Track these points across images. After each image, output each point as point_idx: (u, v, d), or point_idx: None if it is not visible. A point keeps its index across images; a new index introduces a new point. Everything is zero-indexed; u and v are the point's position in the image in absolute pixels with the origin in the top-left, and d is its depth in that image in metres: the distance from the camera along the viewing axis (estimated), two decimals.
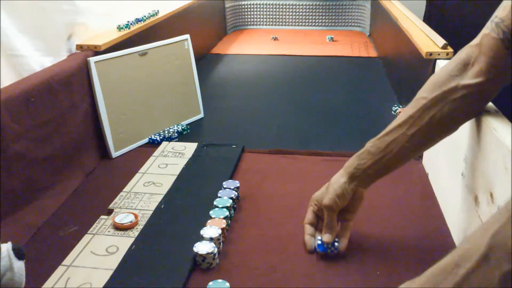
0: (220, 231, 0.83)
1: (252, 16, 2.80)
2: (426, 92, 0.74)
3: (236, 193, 0.97)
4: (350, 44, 2.41)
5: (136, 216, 0.90)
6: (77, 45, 1.20)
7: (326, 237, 0.80)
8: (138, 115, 1.25)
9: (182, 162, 1.13)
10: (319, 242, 0.81)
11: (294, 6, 2.74)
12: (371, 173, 0.78)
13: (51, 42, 1.11)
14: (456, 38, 1.24)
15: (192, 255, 0.79)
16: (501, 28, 0.68)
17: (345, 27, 2.75)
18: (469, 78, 0.71)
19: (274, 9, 2.78)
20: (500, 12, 0.69)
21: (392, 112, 1.45)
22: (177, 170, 1.10)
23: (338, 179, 0.80)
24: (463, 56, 0.73)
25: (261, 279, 0.77)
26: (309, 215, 0.85)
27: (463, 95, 0.71)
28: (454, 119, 0.74)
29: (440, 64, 1.11)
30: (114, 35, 1.30)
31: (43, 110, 0.98)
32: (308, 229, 0.84)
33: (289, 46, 2.37)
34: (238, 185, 1.00)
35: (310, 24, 2.77)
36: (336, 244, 0.80)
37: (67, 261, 0.80)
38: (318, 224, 0.85)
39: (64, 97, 1.05)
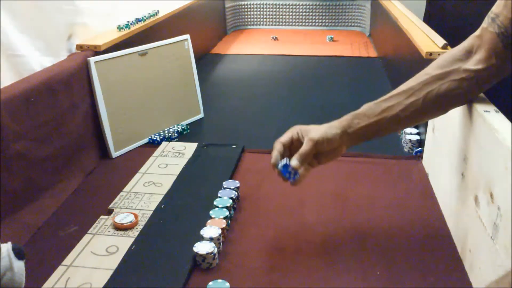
0: (220, 231, 0.83)
1: (252, 16, 2.80)
2: (429, 69, 0.79)
3: (236, 193, 0.97)
4: (350, 44, 2.41)
5: (136, 216, 0.90)
6: (77, 45, 1.20)
7: (294, 162, 0.79)
8: (138, 115, 1.25)
9: (182, 162, 1.13)
10: (286, 163, 0.80)
11: (294, 6, 2.74)
12: (361, 134, 0.80)
13: (51, 42, 1.11)
14: (456, 38, 1.24)
15: (192, 255, 0.79)
16: (497, 24, 0.73)
17: (345, 27, 2.75)
18: (471, 64, 0.75)
19: (274, 9, 2.78)
20: (495, 8, 0.75)
21: None
22: (177, 170, 1.10)
23: (332, 127, 0.81)
24: (467, 45, 0.78)
25: (261, 279, 0.77)
26: (286, 137, 0.83)
27: (462, 78, 0.76)
28: (448, 99, 0.78)
29: None
30: (114, 35, 1.30)
31: (43, 110, 0.98)
32: (279, 146, 0.82)
33: (289, 46, 2.37)
34: (238, 185, 1.00)
35: (310, 24, 2.77)
36: (297, 175, 0.79)
37: (67, 261, 0.80)
38: (285, 152, 0.83)
39: (64, 97, 1.05)
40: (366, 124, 0.79)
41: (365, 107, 0.81)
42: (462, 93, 0.77)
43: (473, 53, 0.76)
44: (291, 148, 0.83)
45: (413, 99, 0.78)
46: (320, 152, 0.80)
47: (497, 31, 0.73)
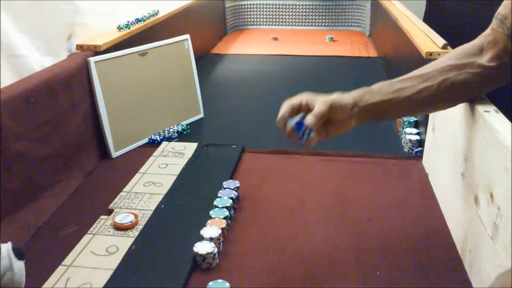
0: (220, 231, 0.83)
1: (252, 16, 2.80)
2: (445, 59, 0.79)
3: (236, 193, 0.97)
4: (350, 44, 2.41)
5: (136, 216, 0.90)
6: (77, 45, 1.20)
7: (310, 119, 0.75)
8: (138, 115, 1.25)
9: (182, 162, 1.13)
10: (300, 120, 0.75)
11: (294, 6, 2.74)
12: (371, 110, 0.78)
13: (51, 42, 1.11)
14: (456, 38, 1.24)
15: (192, 255, 0.79)
16: (506, 26, 0.73)
17: (345, 27, 2.75)
18: (484, 61, 0.76)
19: (274, 9, 2.78)
20: (502, 9, 0.75)
21: None
22: (177, 170, 1.10)
23: (343, 96, 0.78)
24: (478, 42, 0.78)
25: (261, 279, 0.77)
26: (295, 100, 0.79)
27: (476, 72, 0.75)
28: (462, 90, 0.77)
29: None
30: (114, 35, 1.30)
31: (43, 110, 0.98)
32: (287, 105, 0.78)
33: (289, 46, 2.37)
34: (238, 185, 1.00)
35: (310, 24, 2.77)
36: (311, 134, 0.75)
37: (67, 261, 0.80)
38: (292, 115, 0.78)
39: (64, 97, 1.05)
40: (377, 101, 0.77)
41: (377, 85, 0.79)
42: (475, 87, 0.77)
43: (484, 50, 0.76)
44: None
45: (427, 84, 0.76)
46: (330, 121, 0.77)
47: (506, 32, 0.73)
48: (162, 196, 0.99)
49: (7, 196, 0.87)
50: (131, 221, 0.88)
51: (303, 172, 1.12)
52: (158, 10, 1.60)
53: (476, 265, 0.73)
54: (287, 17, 2.77)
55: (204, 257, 0.79)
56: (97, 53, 1.19)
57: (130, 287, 0.74)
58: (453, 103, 0.81)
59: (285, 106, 0.78)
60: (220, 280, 0.75)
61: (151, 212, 0.93)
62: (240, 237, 0.88)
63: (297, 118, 0.76)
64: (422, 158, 1.15)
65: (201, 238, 0.82)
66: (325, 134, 0.79)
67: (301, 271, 0.79)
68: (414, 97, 0.77)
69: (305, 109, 0.77)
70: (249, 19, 2.81)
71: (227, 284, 0.74)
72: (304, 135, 0.75)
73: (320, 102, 0.76)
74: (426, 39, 1.31)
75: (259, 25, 2.81)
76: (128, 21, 1.38)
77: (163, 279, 0.76)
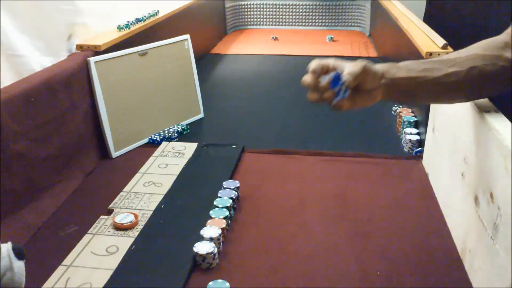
0: (220, 231, 0.83)
1: (252, 16, 2.80)
2: (472, 49, 0.76)
3: (236, 193, 0.97)
4: (350, 44, 2.41)
5: (136, 216, 0.90)
6: (77, 45, 1.20)
7: (349, 68, 0.70)
8: (138, 115, 1.25)
9: (182, 162, 1.13)
10: (337, 75, 0.69)
11: (294, 6, 2.74)
12: (397, 85, 0.74)
13: (51, 42, 1.11)
14: (456, 38, 1.24)
15: (192, 255, 0.79)
16: None
17: (345, 27, 2.75)
18: (510, 55, 0.73)
19: (274, 9, 2.77)
20: None
21: (392, 112, 1.45)
22: (177, 170, 1.10)
23: (374, 66, 0.74)
24: (503, 38, 0.76)
25: (261, 279, 0.77)
26: (323, 61, 0.73)
27: (504, 65, 0.73)
28: (488, 81, 0.74)
29: None
30: (114, 35, 1.30)
31: (43, 110, 0.98)
32: (316, 63, 0.72)
33: (289, 46, 2.37)
34: (238, 185, 1.00)
35: (310, 24, 2.77)
36: (346, 93, 0.70)
37: (67, 261, 0.80)
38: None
39: (64, 97, 1.05)
40: (404, 76, 0.73)
41: (404, 62, 0.76)
42: (502, 80, 0.74)
43: (510, 45, 0.74)
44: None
45: (456, 69, 0.73)
46: (358, 90, 0.72)
47: None
48: (162, 196, 0.99)
49: (7, 196, 0.87)
50: (131, 221, 0.88)
51: (303, 172, 1.12)
52: (158, 10, 1.60)
53: (476, 265, 0.73)
54: (287, 17, 2.77)
55: (204, 257, 0.79)
56: (97, 53, 1.19)
57: (130, 287, 0.74)
58: (479, 95, 0.78)
59: (315, 63, 0.72)
60: (220, 280, 0.75)
61: (151, 212, 0.93)
62: (240, 237, 0.88)
63: (332, 74, 0.70)
64: (422, 158, 1.15)
65: (201, 238, 0.82)
66: (351, 104, 0.72)
67: (301, 271, 0.79)
68: (442, 80, 0.73)
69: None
70: (249, 19, 2.81)
71: (227, 284, 0.74)
72: (340, 92, 0.69)
73: (352, 63, 0.72)
74: (426, 39, 1.31)
75: (259, 25, 2.81)
76: (128, 21, 1.38)
77: (163, 279, 0.76)
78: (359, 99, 0.73)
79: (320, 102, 0.72)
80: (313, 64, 0.72)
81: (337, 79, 0.69)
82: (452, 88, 0.75)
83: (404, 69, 0.75)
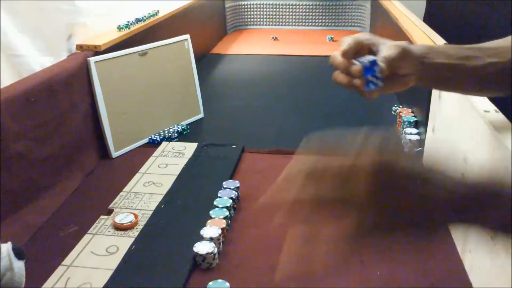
0: (220, 231, 0.83)
1: (252, 16, 2.80)
2: None
3: (236, 193, 0.97)
4: None
5: (136, 216, 0.90)
6: (77, 45, 1.20)
7: (386, 51, 0.62)
8: (138, 115, 1.25)
9: (182, 162, 1.13)
10: (374, 60, 0.61)
11: (294, 6, 2.74)
12: (435, 70, 0.66)
13: (51, 42, 1.11)
14: (456, 38, 1.24)
15: (192, 255, 0.79)
16: None
17: (345, 27, 2.75)
18: None
19: (274, 9, 2.77)
20: None
21: (392, 112, 1.45)
22: (177, 170, 1.10)
23: (414, 47, 0.66)
24: None
25: (261, 279, 0.77)
26: (358, 37, 0.66)
27: None
28: None
29: None
30: (114, 35, 1.30)
31: (43, 110, 0.98)
32: (355, 39, 0.66)
33: (289, 46, 2.37)
34: (238, 185, 1.00)
35: (310, 24, 2.77)
36: (381, 81, 0.62)
37: (67, 261, 0.80)
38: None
39: (64, 97, 1.05)
40: (442, 62, 0.65)
41: (442, 46, 0.69)
42: None
43: None
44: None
45: (497, 59, 0.66)
46: (393, 71, 0.64)
47: None
48: (162, 196, 0.99)
49: (7, 196, 0.87)
50: (131, 221, 0.88)
51: None
52: (158, 10, 1.60)
53: (476, 265, 0.73)
54: (287, 17, 2.77)
55: (204, 257, 0.79)
56: (97, 53, 1.19)
57: (130, 287, 0.74)
58: None
59: (350, 40, 0.64)
60: (220, 280, 0.75)
61: (151, 212, 0.93)
62: (240, 237, 0.88)
63: (368, 58, 0.61)
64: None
65: (201, 238, 0.82)
66: (381, 89, 0.65)
67: (301, 271, 0.79)
68: (480, 71, 0.66)
69: (366, 52, 0.66)
70: (249, 19, 2.81)
71: (227, 284, 0.74)
72: (373, 82, 0.62)
73: (389, 45, 0.64)
74: (426, 39, 1.31)
75: (259, 25, 2.81)
76: (128, 21, 1.38)
77: (163, 279, 0.76)
78: (390, 83, 0.65)
79: (348, 87, 0.64)
80: (345, 44, 0.64)
81: (374, 63, 0.61)
82: (492, 79, 0.67)
83: (443, 54, 0.66)
